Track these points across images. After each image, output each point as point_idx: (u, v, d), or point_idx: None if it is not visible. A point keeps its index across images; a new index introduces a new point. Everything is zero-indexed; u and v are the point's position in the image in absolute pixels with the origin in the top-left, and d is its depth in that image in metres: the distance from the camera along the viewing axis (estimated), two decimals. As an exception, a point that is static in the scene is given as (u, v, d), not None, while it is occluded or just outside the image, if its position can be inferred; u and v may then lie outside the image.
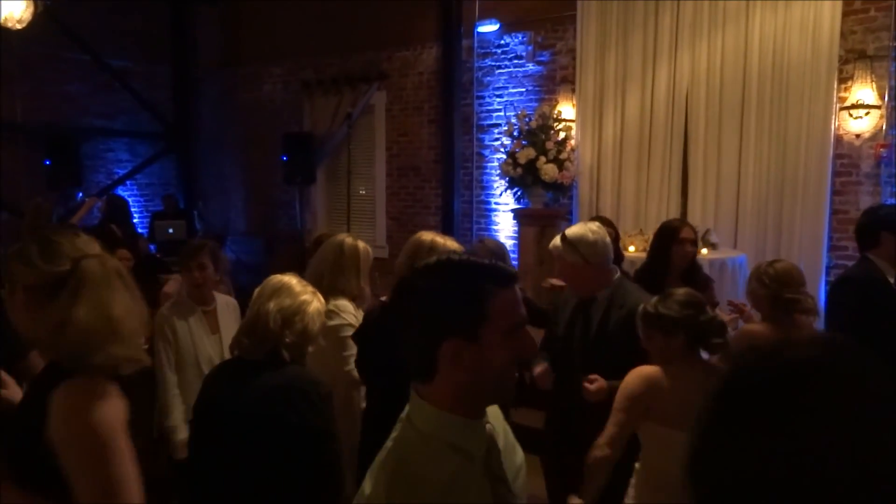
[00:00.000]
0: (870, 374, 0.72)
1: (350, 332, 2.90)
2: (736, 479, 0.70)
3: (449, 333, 1.16)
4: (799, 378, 0.71)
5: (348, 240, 3.11)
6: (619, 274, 2.98)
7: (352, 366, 2.88)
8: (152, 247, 9.17)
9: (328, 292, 2.94)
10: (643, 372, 2.35)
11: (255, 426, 2.04)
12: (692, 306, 2.33)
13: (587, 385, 2.59)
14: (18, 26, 5.56)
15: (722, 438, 0.73)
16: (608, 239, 2.90)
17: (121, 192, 9.54)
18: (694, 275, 3.69)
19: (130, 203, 9.62)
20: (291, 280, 2.28)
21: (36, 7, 5.52)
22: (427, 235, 2.74)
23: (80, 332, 1.50)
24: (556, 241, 2.92)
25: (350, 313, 2.96)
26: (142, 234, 9.22)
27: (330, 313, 2.89)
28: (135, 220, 9.24)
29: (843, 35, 5.66)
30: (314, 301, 2.24)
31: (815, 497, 0.66)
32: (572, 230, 2.90)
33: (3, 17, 5.36)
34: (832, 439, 0.67)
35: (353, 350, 2.89)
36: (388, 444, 1.24)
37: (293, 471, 2.01)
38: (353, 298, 3.03)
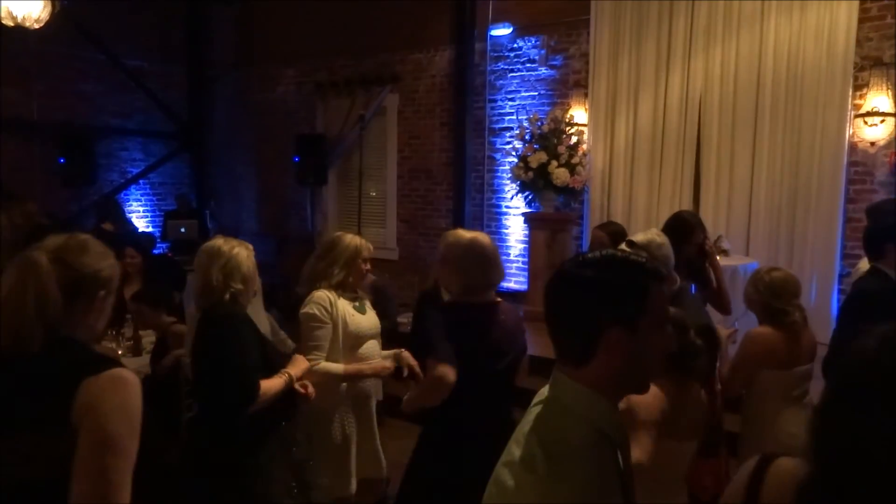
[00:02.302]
0: None
1: (316, 323, 2.96)
2: (859, 451, 0.82)
3: (613, 322, 1.24)
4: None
5: (339, 234, 3.20)
6: (679, 282, 2.98)
7: (311, 356, 2.94)
8: (164, 245, 9.24)
9: (313, 280, 3.06)
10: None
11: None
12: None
13: None
14: (36, 26, 5.61)
15: (845, 415, 0.85)
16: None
17: (134, 190, 9.62)
18: (702, 270, 3.68)
19: (143, 201, 9.70)
20: (218, 242, 2.73)
21: (54, 7, 5.57)
22: (461, 232, 2.74)
23: None
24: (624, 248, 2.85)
25: (322, 304, 2.99)
26: (149, 233, 9.26)
27: (306, 301, 3.01)
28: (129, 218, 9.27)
29: (858, 42, 5.63)
30: (242, 250, 2.71)
31: None
32: (640, 237, 2.91)
33: (21, 17, 5.42)
34: None
35: (318, 341, 2.96)
36: (531, 417, 1.31)
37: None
38: (336, 288, 3.05)
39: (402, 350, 3.20)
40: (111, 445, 1.42)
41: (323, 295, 3.01)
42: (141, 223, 9.61)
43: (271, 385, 2.60)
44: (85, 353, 1.55)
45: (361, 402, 3.13)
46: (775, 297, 3.00)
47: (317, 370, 2.92)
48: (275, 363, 2.72)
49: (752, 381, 3.05)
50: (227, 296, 2.63)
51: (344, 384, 3.05)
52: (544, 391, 1.35)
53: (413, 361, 3.08)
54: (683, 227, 3.63)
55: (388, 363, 3.12)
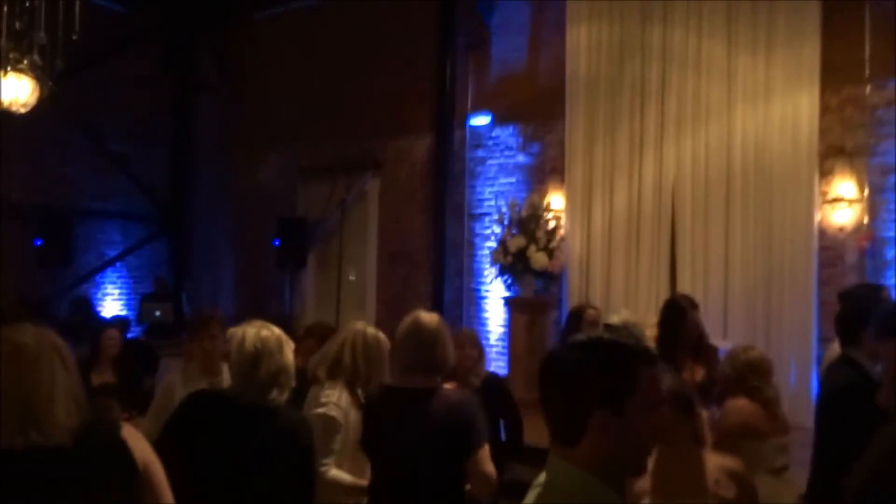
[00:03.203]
0: None
1: (334, 428, 2.80)
2: None
3: (599, 404, 1.24)
4: None
5: (358, 325, 3.04)
6: None
7: (327, 460, 2.76)
8: (138, 329, 9.07)
9: (333, 373, 2.90)
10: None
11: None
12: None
13: None
14: (23, 110, 5.68)
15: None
16: None
17: (110, 273, 9.51)
18: (703, 345, 3.74)
19: (118, 284, 9.59)
20: (268, 332, 2.42)
21: (41, 91, 5.66)
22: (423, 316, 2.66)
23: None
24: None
25: (341, 407, 2.83)
26: (123, 316, 9.10)
27: (317, 400, 2.85)
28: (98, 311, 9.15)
29: (821, 132, 5.88)
30: (284, 347, 2.41)
31: None
32: (615, 318, 2.93)
33: (7, 102, 5.49)
34: None
35: (332, 447, 2.79)
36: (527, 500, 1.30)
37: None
38: (351, 383, 2.91)
39: None
40: None
41: (343, 397, 2.84)
42: (116, 306, 9.46)
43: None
44: None
45: None
46: (751, 374, 3.13)
47: (328, 479, 2.73)
48: None
49: (736, 453, 3.04)
50: (269, 391, 2.38)
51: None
52: (542, 476, 1.33)
53: None
54: (676, 305, 3.82)
55: None
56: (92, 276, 9.23)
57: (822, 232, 5.91)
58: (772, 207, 6.07)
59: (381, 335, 3.01)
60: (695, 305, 3.92)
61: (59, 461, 1.54)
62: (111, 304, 9.43)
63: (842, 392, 2.79)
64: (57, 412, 1.55)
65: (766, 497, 2.92)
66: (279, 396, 2.36)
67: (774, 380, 3.31)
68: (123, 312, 9.34)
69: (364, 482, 2.77)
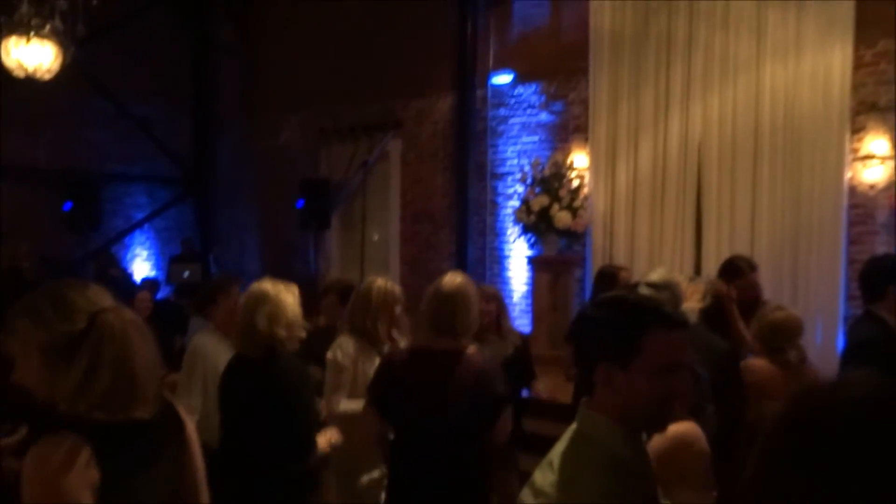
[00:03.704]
0: None
1: (337, 368, 3.00)
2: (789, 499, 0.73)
3: (603, 358, 1.33)
4: (853, 418, 0.73)
5: (367, 280, 3.21)
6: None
7: (331, 400, 2.98)
8: (168, 289, 9.25)
9: (343, 326, 3.10)
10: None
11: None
12: None
13: None
14: (47, 76, 5.74)
15: (779, 473, 0.76)
16: None
17: (139, 235, 9.67)
18: (758, 305, 3.75)
19: (147, 246, 9.75)
20: (265, 286, 2.66)
21: (64, 58, 5.70)
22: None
23: (102, 395, 1.46)
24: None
25: (343, 349, 3.03)
26: (153, 277, 9.28)
27: (332, 346, 3.06)
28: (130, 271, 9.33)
29: (854, 87, 5.73)
30: (288, 295, 2.64)
31: None
32: (655, 276, 2.89)
33: (32, 68, 5.54)
34: (885, 476, 0.68)
35: (338, 385, 2.99)
36: (558, 446, 1.38)
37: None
38: (360, 335, 3.04)
39: None
40: None
41: (345, 340, 3.03)
42: (145, 267, 9.64)
43: (321, 443, 2.61)
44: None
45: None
46: (775, 336, 3.15)
47: (338, 413, 2.93)
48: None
49: (756, 415, 3.09)
50: (271, 342, 2.57)
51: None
52: (573, 424, 1.43)
53: None
54: (732, 271, 3.85)
55: None
56: (121, 238, 9.39)
57: (852, 190, 5.80)
58: (800, 165, 5.96)
59: (389, 287, 3.12)
60: (753, 267, 3.93)
61: (150, 434, 1.54)
62: (140, 266, 9.61)
63: (864, 346, 2.85)
64: (152, 386, 1.56)
65: None
66: (280, 346, 2.56)
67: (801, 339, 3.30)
68: (153, 274, 9.52)
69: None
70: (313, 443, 2.56)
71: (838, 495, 0.69)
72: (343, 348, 3.02)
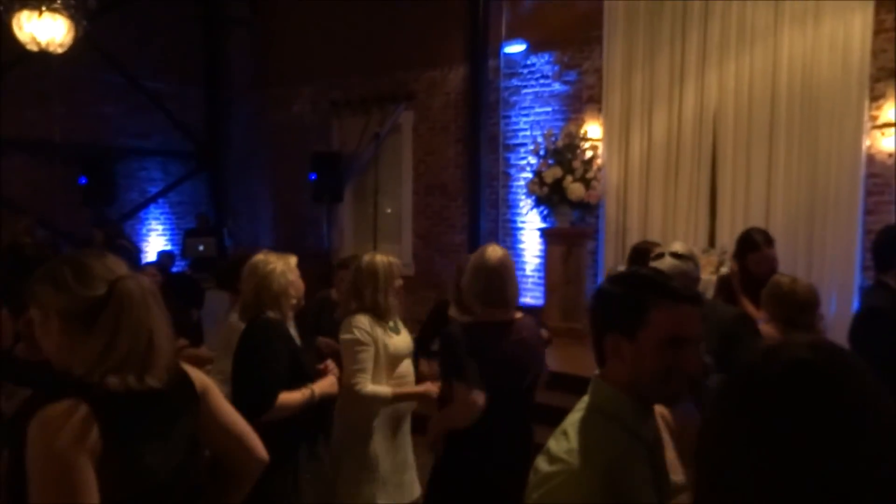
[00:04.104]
0: (852, 375, 0.88)
1: (360, 347, 2.97)
2: (736, 459, 0.87)
3: (611, 328, 1.38)
4: (790, 376, 0.87)
5: (366, 257, 3.18)
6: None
7: (357, 380, 2.94)
8: (183, 263, 9.34)
9: (354, 310, 3.06)
10: None
11: None
12: None
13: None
14: (60, 50, 5.74)
15: (725, 425, 0.91)
16: None
17: (153, 209, 9.74)
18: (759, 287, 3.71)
19: (162, 220, 9.83)
20: (257, 258, 2.81)
21: (76, 31, 5.70)
22: (480, 251, 2.75)
23: (121, 361, 1.47)
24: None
25: (362, 327, 3.00)
26: (168, 251, 9.36)
27: (345, 327, 3.03)
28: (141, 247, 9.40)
29: (873, 53, 5.61)
30: (277, 266, 2.76)
31: (801, 480, 0.83)
32: (678, 246, 2.86)
33: (45, 42, 5.55)
34: (818, 431, 0.83)
35: (362, 364, 2.96)
36: (571, 416, 1.42)
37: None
38: (372, 311, 3.06)
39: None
40: None
41: (362, 319, 3.03)
42: (160, 241, 9.73)
43: (291, 398, 2.62)
44: None
45: (397, 422, 3.11)
46: (791, 307, 3.09)
47: (365, 394, 2.93)
48: (308, 377, 2.75)
49: None
50: (261, 310, 2.71)
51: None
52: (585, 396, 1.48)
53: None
54: (747, 245, 3.80)
55: (434, 387, 3.07)
56: (136, 212, 9.47)
57: (871, 158, 5.72)
58: (818, 133, 5.87)
59: (389, 261, 3.14)
60: (769, 241, 3.87)
61: (162, 404, 1.55)
62: (155, 240, 9.69)
63: (872, 314, 2.85)
64: (166, 355, 1.57)
65: None
66: (263, 310, 2.70)
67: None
68: (168, 247, 9.61)
69: (405, 391, 3.05)
70: (269, 402, 2.60)
71: (771, 436, 0.85)
72: (361, 326, 3.01)
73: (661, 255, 2.69)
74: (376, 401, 2.97)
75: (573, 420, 1.40)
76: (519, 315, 2.71)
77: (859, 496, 0.82)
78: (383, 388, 2.99)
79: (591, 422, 1.37)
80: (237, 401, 2.59)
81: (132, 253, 7.27)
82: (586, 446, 1.31)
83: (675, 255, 2.67)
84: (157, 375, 1.53)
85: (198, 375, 1.70)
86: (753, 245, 3.79)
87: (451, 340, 2.67)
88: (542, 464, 1.36)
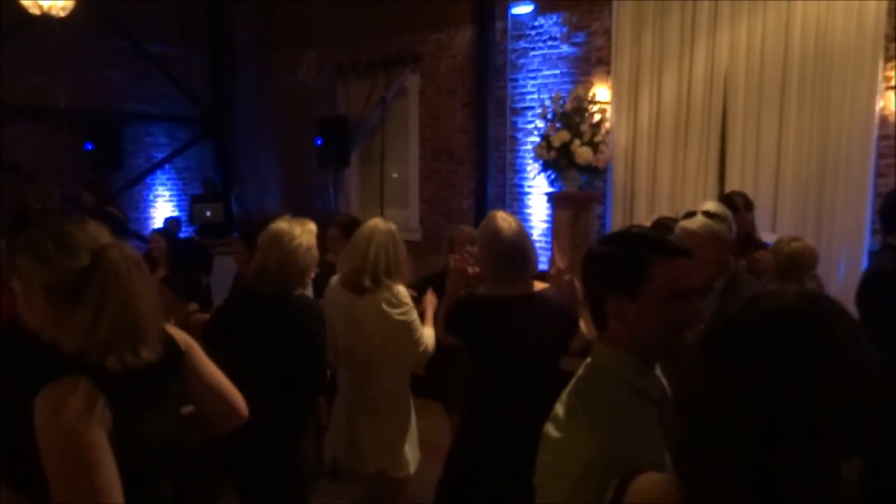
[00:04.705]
0: (842, 323, 0.89)
1: (413, 315, 2.98)
2: (717, 403, 0.89)
3: (613, 290, 1.37)
4: (777, 321, 0.89)
5: (385, 226, 3.11)
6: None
7: (424, 344, 2.96)
8: (190, 229, 9.36)
9: (387, 277, 3.00)
10: None
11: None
12: None
13: None
14: (62, 13, 5.69)
15: (707, 372, 0.92)
16: None
17: (160, 175, 9.73)
18: (751, 241, 3.74)
19: (168, 186, 9.83)
20: (282, 228, 2.71)
21: (78, -6, 5.63)
22: (489, 221, 2.72)
23: (109, 335, 1.44)
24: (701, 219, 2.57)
25: (408, 301, 2.99)
26: (175, 217, 9.38)
27: (392, 302, 2.95)
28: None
29: (889, 12, 5.49)
30: (303, 241, 2.68)
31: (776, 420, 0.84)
32: (712, 206, 2.68)
33: (47, 5, 5.49)
34: (802, 373, 0.85)
35: (420, 331, 2.97)
36: (577, 380, 1.44)
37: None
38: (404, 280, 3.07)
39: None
40: None
41: (403, 289, 3.02)
42: (167, 207, 9.75)
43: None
44: None
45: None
46: (791, 266, 3.16)
47: (433, 344, 3.00)
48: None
49: None
50: (286, 284, 2.67)
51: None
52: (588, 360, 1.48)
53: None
54: (726, 206, 3.68)
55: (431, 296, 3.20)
56: (142, 178, 9.46)
57: (884, 120, 5.63)
58: (830, 95, 5.78)
59: (393, 227, 3.13)
60: (749, 205, 3.86)
61: (154, 373, 1.54)
62: (163, 206, 9.71)
63: (879, 276, 2.86)
64: (155, 325, 1.55)
65: None
66: (291, 285, 2.66)
67: (821, 272, 3.29)
68: (175, 213, 9.63)
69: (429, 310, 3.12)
70: (324, 372, 2.65)
71: (757, 382, 0.86)
72: (407, 302, 3.00)
73: (692, 214, 2.57)
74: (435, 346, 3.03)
75: (579, 385, 1.41)
76: (540, 286, 2.62)
77: (850, 441, 0.84)
78: (429, 330, 3.05)
79: (595, 385, 1.38)
80: (293, 381, 2.60)
81: (119, 221, 7.21)
82: (593, 411, 1.32)
83: (707, 213, 2.56)
84: (151, 347, 1.51)
85: (179, 335, 1.69)
86: (732, 208, 3.74)
87: (456, 308, 2.72)
88: (550, 430, 1.37)
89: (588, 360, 1.46)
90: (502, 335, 2.54)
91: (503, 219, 2.62)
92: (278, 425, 2.57)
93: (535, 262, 2.65)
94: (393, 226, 3.13)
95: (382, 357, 2.98)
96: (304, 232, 2.73)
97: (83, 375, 1.42)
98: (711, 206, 2.61)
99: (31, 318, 1.51)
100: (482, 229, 2.66)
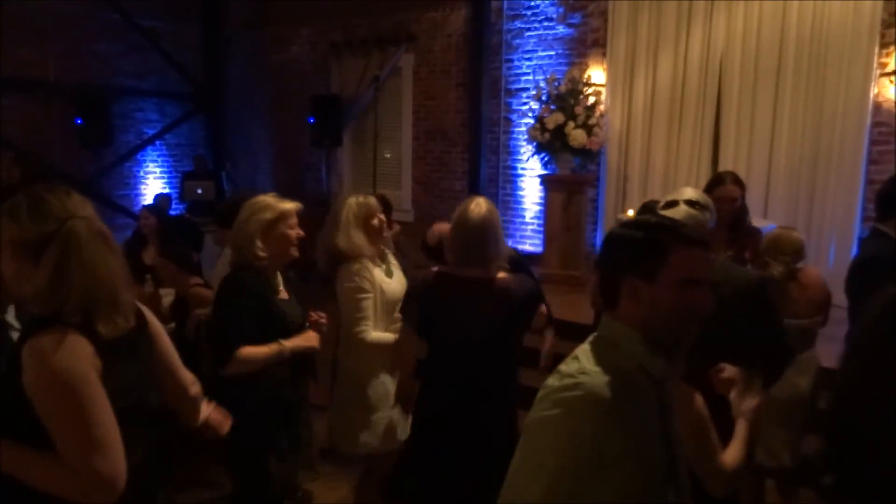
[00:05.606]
0: None
1: (362, 294, 2.97)
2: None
3: (630, 272, 1.43)
4: None
5: (344, 199, 3.17)
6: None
7: (361, 327, 2.96)
8: (181, 206, 9.30)
9: (344, 255, 3.05)
10: None
11: None
12: None
13: (718, 375, 2.24)
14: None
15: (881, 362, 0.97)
16: None
17: (150, 151, 9.65)
18: (741, 226, 3.63)
19: (159, 163, 9.75)
20: (261, 202, 2.71)
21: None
22: (463, 205, 2.67)
23: (82, 298, 1.54)
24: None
25: (363, 275, 3.00)
26: (166, 194, 9.31)
27: (346, 275, 3.01)
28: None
29: (886, -2, 5.47)
30: (265, 215, 2.65)
31: None
32: (692, 193, 2.60)
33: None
34: None
35: (364, 312, 2.97)
36: (583, 345, 1.48)
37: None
38: (357, 255, 3.04)
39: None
40: None
41: (363, 264, 3.02)
42: (158, 184, 9.67)
43: (255, 352, 2.54)
44: None
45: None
46: (766, 250, 3.28)
47: (370, 341, 2.96)
48: (289, 332, 2.67)
49: None
50: (246, 259, 2.63)
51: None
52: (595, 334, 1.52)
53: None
54: (711, 182, 3.63)
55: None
56: (133, 154, 9.37)
57: (877, 107, 5.64)
58: (825, 80, 5.77)
59: (350, 201, 3.14)
60: (738, 181, 3.69)
61: (126, 336, 1.64)
62: (153, 183, 9.64)
63: (867, 262, 2.89)
64: (126, 297, 1.64)
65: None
66: (255, 262, 2.63)
67: (812, 257, 3.32)
68: (166, 190, 9.56)
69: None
70: (228, 356, 2.54)
71: None
72: (363, 274, 2.99)
73: (674, 203, 2.56)
74: (380, 347, 2.98)
75: (584, 347, 1.47)
76: (501, 275, 2.59)
77: None
78: (386, 335, 3.01)
79: (601, 348, 1.45)
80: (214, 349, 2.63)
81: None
82: (597, 365, 1.39)
83: (690, 203, 2.55)
84: (125, 317, 1.62)
85: (148, 312, 1.81)
86: (720, 179, 3.67)
87: (410, 286, 2.74)
88: (551, 380, 1.43)
89: (594, 334, 1.51)
90: (452, 312, 2.53)
91: (477, 204, 2.60)
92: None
93: (497, 250, 2.57)
94: (360, 199, 3.15)
95: (346, 332, 3.06)
96: (269, 208, 2.69)
97: (69, 327, 1.52)
98: (691, 193, 2.57)
99: (5, 272, 1.62)
100: (455, 215, 2.64)
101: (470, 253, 2.53)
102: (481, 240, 2.52)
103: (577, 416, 1.32)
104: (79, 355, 1.50)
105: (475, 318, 2.49)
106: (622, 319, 1.45)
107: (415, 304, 2.61)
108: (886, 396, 1.69)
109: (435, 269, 2.71)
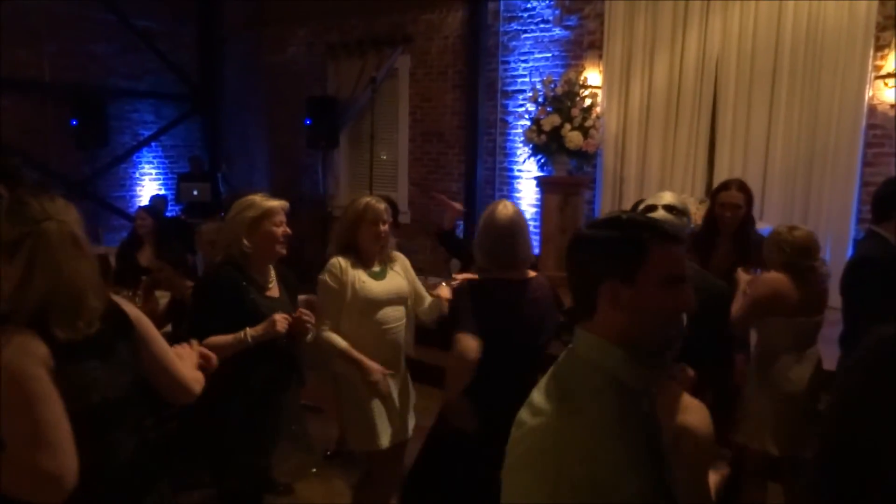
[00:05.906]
0: None
1: (325, 290, 2.97)
2: (875, 426, 0.95)
3: (608, 275, 1.31)
4: None
5: (354, 198, 3.17)
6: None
7: (323, 322, 2.95)
8: (177, 208, 9.28)
9: (331, 252, 3.07)
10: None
11: None
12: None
13: (682, 371, 2.24)
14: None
15: (866, 397, 0.99)
16: None
17: (146, 152, 9.62)
18: (745, 237, 3.62)
19: (155, 164, 9.72)
20: (249, 200, 2.74)
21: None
22: (489, 209, 2.75)
23: (43, 298, 1.55)
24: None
25: (332, 270, 2.98)
26: (162, 195, 9.29)
27: (323, 271, 3.03)
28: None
29: (880, 0, 5.49)
30: (249, 213, 2.67)
31: None
32: (670, 198, 2.64)
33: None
34: None
35: (326, 308, 2.97)
36: (557, 366, 1.38)
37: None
38: (343, 252, 3.03)
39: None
40: None
41: (335, 261, 3.00)
42: (154, 186, 9.65)
43: (216, 340, 2.52)
44: None
45: (388, 365, 3.02)
46: (803, 256, 3.06)
47: (322, 338, 2.94)
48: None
49: (760, 326, 3.17)
50: (229, 255, 2.66)
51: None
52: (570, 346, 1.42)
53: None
54: (714, 190, 3.75)
55: (381, 370, 2.94)
56: (128, 155, 9.35)
57: (872, 109, 5.66)
58: (820, 83, 5.79)
59: (358, 202, 3.09)
60: (744, 188, 3.69)
61: (97, 340, 1.63)
62: (149, 184, 9.61)
63: (864, 263, 2.89)
64: (93, 303, 1.63)
65: (782, 374, 3.07)
66: (236, 257, 2.66)
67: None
68: (161, 192, 9.54)
69: (356, 354, 2.90)
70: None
71: None
72: (332, 270, 2.97)
73: (653, 208, 2.57)
74: (327, 348, 2.94)
75: (559, 371, 1.36)
76: (532, 274, 2.70)
77: None
78: (339, 340, 2.93)
79: (575, 374, 1.32)
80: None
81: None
82: (570, 399, 1.27)
83: (668, 208, 2.56)
84: (86, 321, 1.61)
85: (131, 308, 1.81)
86: (725, 185, 3.71)
87: (457, 294, 2.72)
88: (525, 416, 1.32)
89: (569, 346, 1.40)
90: (514, 314, 2.61)
91: (504, 206, 2.71)
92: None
93: (528, 251, 2.69)
94: (360, 200, 3.12)
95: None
96: (254, 206, 2.70)
97: (21, 327, 1.54)
98: (670, 198, 2.59)
99: None
100: (482, 217, 2.74)
101: (504, 256, 2.62)
102: (511, 242, 2.62)
103: (559, 465, 1.21)
104: (28, 353, 1.50)
105: (535, 317, 2.61)
106: (598, 331, 1.33)
107: (468, 314, 2.59)
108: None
109: (460, 277, 2.76)
